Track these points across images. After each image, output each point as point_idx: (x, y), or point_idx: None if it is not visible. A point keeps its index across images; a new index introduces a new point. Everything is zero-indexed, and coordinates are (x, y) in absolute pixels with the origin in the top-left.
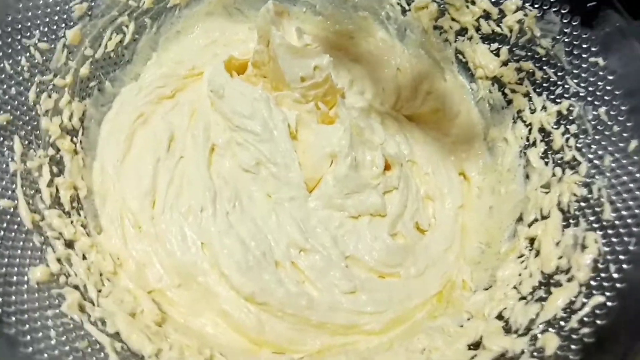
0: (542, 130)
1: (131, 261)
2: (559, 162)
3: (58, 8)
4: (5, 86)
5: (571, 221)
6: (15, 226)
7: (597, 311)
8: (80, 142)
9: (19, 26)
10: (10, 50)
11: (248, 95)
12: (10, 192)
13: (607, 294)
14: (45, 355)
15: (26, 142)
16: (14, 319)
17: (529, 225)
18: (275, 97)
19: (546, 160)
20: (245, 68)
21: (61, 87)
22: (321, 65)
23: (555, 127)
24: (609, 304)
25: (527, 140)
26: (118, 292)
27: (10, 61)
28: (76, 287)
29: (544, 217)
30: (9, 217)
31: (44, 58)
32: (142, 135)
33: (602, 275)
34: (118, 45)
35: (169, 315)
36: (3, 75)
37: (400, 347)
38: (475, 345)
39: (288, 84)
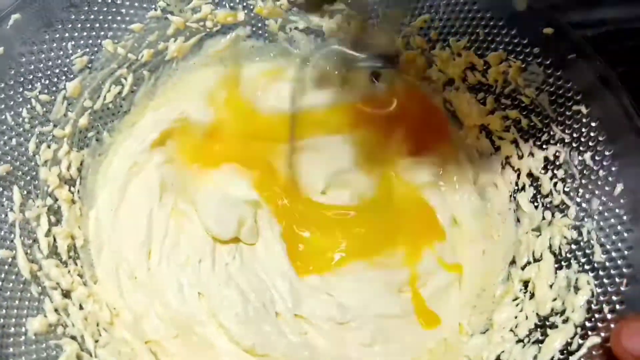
0: (530, 175)
1: (127, 312)
2: (548, 205)
3: (59, 61)
4: (6, 137)
5: (563, 263)
6: (14, 276)
7: (594, 352)
8: (78, 191)
9: (21, 79)
10: (12, 102)
11: None
12: (8, 242)
13: (603, 334)
14: None
15: (25, 192)
16: None
17: (522, 268)
18: None
19: (536, 204)
20: None
21: (60, 138)
22: None
23: (543, 172)
24: (606, 344)
25: (517, 185)
26: (115, 343)
27: (12, 113)
28: (74, 338)
29: (536, 260)
30: (7, 267)
31: (45, 109)
32: (136, 185)
33: (597, 316)
34: (116, 97)
35: None
36: (4, 127)
37: None
38: None
39: None
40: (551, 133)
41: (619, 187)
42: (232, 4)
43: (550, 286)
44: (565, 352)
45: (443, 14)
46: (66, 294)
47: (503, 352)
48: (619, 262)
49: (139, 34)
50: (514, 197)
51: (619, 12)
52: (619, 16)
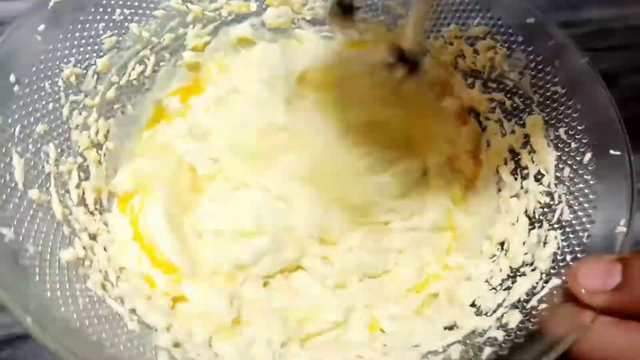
0: (511, 150)
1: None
2: (525, 176)
3: (91, 40)
4: (44, 102)
5: (536, 224)
6: (49, 217)
7: (555, 292)
8: (104, 154)
9: (58, 53)
10: (50, 73)
11: None
12: (45, 189)
13: (563, 278)
14: (75, 315)
15: (59, 150)
16: (48, 285)
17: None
18: None
19: (515, 175)
20: None
21: (90, 107)
22: None
23: (522, 147)
24: (564, 285)
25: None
26: (134, 280)
27: (50, 82)
28: (99, 271)
29: (512, 224)
30: (44, 208)
31: (77, 81)
32: None
33: (560, 264)
34: (140, 75)
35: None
36: (43, 93)
37: None
38: (450, 328)
39: None
40: (532, 113)
41: (588, 156)
42: None
43: (523, 243)
44: (530, 293)
45: (437, 6)
46: (93, 237)
47: (478, 297)
48: (584, 219)
49: (162, 19)
50: (497, 171)
51: (604, 13)
52: (604, 16)
